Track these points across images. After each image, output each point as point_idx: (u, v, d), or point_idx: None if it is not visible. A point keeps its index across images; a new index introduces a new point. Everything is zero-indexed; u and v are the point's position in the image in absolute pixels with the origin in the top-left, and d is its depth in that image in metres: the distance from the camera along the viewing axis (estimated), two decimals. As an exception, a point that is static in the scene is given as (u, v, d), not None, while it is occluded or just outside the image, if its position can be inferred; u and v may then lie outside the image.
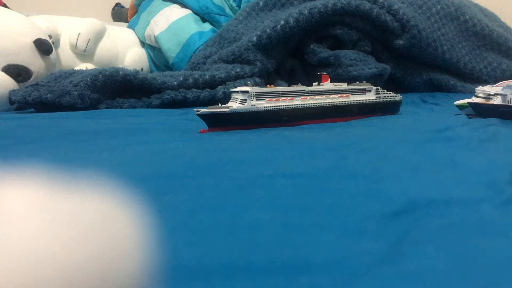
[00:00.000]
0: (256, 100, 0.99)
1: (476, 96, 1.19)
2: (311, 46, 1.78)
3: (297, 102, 1.05)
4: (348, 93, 1.17)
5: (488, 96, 1.15)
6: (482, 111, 1.16)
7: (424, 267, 0.31)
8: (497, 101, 1.13)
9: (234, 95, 1.03)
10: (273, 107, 1.01)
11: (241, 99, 0.99)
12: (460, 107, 1.25)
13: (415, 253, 0.33)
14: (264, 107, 0.99)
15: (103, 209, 0.19)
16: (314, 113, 1.08)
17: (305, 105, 1.07)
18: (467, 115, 1.20)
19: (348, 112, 1.13)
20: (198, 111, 0.95)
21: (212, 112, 0.95)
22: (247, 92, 0.99)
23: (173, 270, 0.31)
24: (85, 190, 0.19)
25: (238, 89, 1.03)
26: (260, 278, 0.29)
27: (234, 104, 0.99)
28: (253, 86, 1.05)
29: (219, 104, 1.00)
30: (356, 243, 0.35)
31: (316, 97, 1.09)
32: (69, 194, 0.18)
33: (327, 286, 0.28)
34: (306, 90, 1.08)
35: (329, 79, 1.17)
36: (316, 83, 1.17)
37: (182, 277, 0.29)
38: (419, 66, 1.93)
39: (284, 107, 1.03)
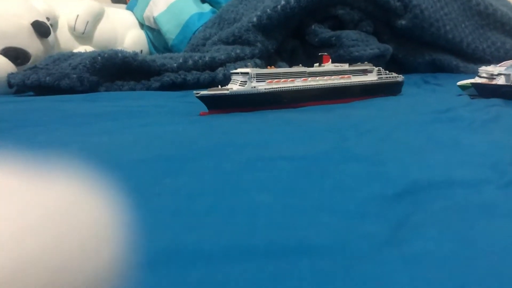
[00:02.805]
0: (257, 81, 0.98)
1: (479, 76, 1.17)
2: (312, 26, 1.76)
3: (298, 83, 1.05)
4: (349, 74, 1.15)
5: (491, 76, 1.13)
6: (485, 91, 1.14)
7: (427, 250, 0.30)
8: (501, 81, 1.12)
9: (234, 77, 1.02)
10: (274, 89, 1.00)
11: (241, 81, 0.98)
12: (463, 87, 1.24)
13: (418, 236, 0.32)
14: (265, 89, 0.99)
15: (83, 194, 0.19)
16: (315, 95, 1.07)
17: (306, 86, 1.06)
18: (470, 95, 1.19)
19: (350, 93, 1.12)
20: (198, 93, 0.94)
21: (212, 94, 0.95)
22: (247, 73, 0.98)
23: (173, 253, 0.31)
24: (74, 174, 0.18)
25: (238, 70, 1.01)
26: (260, 261, 0.29)
27: (234, 86, 0.98)
28: (253, 67, 1.05)
29: (219, 86, 0.99)
30: (358, 225, 0.34)
31: (317, 78, 1.08)
32: (56, 178, 0.18)
33: (328, 269, 0.28)
34: (307, 71, 1.07)
35: (330, 60, 1.16)
36: (318, 64, 1.16)
37: (182, 260, 0.29)
38: (422, 47, 1.91)
39: (285, 88, 1.03)
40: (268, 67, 1.05)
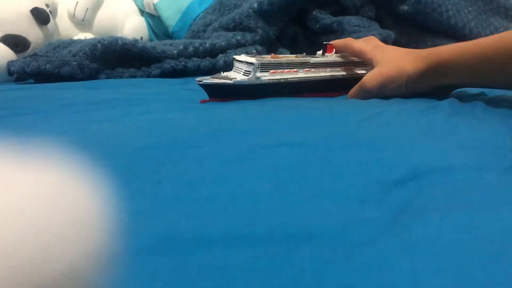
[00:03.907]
0: (261, 71, 0.94)
1: None
2: (314, 12, 1.74)
3: (301, 74, 0.99)
4: (353, 65, 1.11)
5: None
6: None
7: (428, 237, 0.30)
8: None
9: (237, 65, 0.97)
10: (277, 80, 0.96)
11: (245, 70, 0.94)
12: None
13: (419, 222, 0.32)
14: (269, 79, 0.94)
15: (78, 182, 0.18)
16: (318, 86, 1.03)
17: (310, 78, 1.01)
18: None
19: (353, 85, 1.05)
20: (200, 80, 0.90)
21: (215, 83, 0.91)
22: (252, 64, 0.93)
23: (173, 240, 0.31)
24: (69, 162, 0.18)
25: (243, 59, 0.96)
26: (260, 247, 0.29)
27: (237, 75, 0.94)
28: (257, 55, 0.97)
29: (222, 73, 0.95)
30: (358, 212, 0.34)
31: (320, 69, 1.03)
32: (49, 165, 0.17)
33: (329, 255, 0.28)
34: (311, 61, 1.02)
35: (334, 50, 1.10)
36: (321, 52, 1.10)
37: (181, 247, 0.29)
38: (424, 33, 1.90)
39: (289, 80, 0.98)
40: (272, 55, 0.99)
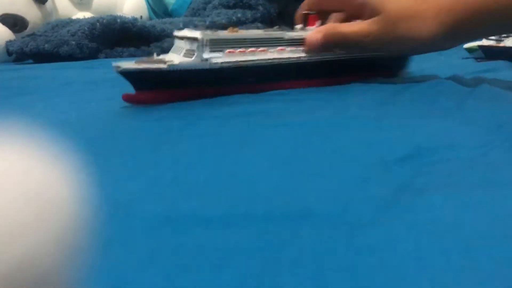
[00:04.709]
0: (211, 51, 0.65)
1: (487, 39, 1.15)
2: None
3: (272, 55, 0.70)
4: None
5: (500, 38, 1.11)
6: (492, 54, 1.12)
7: (431, 216, 0.30)
8: (509, 43, 1.09)
9: (177, 43, 0.69)
10: (236, 63, 0.67)
11: (187, 49, 0.65)
12: (470, 50, 1.21)
13: (422, 202, 0.31)
14: (222, 62, 0.65)
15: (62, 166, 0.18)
16: (298, 71, 0.72)
17: (284, 60, 0.71)
18: (476, 58, 1.17)
19: (343, 70, 0.77)
20: (118, 66, 0.62)
21: (141, 69, 0.62)
22: (196, 40, 0.64)
23: (171, 220, 0.31)
24: (63, 143, 0.17)
25: (182, 34, 0.68)
26: (260, 228, 0.28)
27: (176, 57, 0.65)
28: (207, 30, 0.68)
29: (155, 55, 0.65)
30: (359, 190, 0.34)
31: (300, 48, 0.72)
32: (41, 145, 0.17)
33: (330, 236, 0.27)
34: (285, 37, 0.72)
35: (319, 22, 0.76)
36: (301, 25, 0.77)
37: (180, 227, 0.28)
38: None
39: (254, 63, 0.68)
40: (230, 29, 0.71)
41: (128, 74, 0.64)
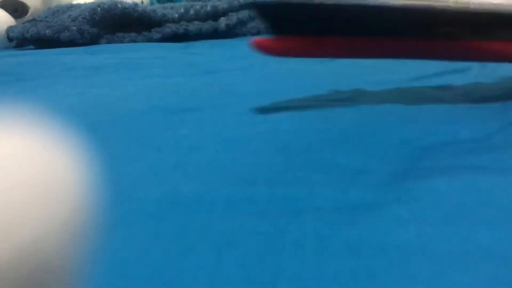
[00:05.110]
0: None
1: None
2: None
3: None
4: None
5: None
6: None
7: (435, 203, 0.29)
8: None
9: None
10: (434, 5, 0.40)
11: None
12: None
13: (425, 186, 0.31)
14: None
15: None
16: None
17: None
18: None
19: None
20: None
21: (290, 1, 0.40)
22: None
23: (173, 204, 0.31)
24: (70, 128, 0.17)
25: None
26: (262, 207, 0.28)
27: None
28: None
29: None
30: (362, 173, 0.33)
31: None
32: (43, 130, 0.17)
33: (332, 219, 0.27)
34: None
35: None
36: None
37: (182, 211, 0.28)
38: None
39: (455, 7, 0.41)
40: None
41: (267, 8, 0.41)
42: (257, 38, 0.45)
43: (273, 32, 0.44)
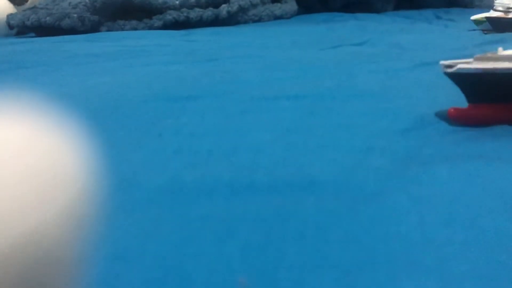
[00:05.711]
0: None
1: (495, 10, 1.13)
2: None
3: None
4: None
5: (508, 10, 1.08)
6: (500, 25, 1.10)
7: (437, 189, 0.29)
8: None
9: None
10: None
11: None
12: (477, 22, 1.19)
13: (427, 173, 0.31)
14: None
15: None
16: None
17: None
18: (483, 30, 1.15)
19: None
20: (451, 66, 0.38)
21: (492, 70, 0.36)
22: None
23: (176, 190, 0.31)
24: (70, 116, 0.17)
25: None
26: (263, 198, 0.28)
27: None
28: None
29: (500, 50, 0.41)
30: (363, 161, 0.33)
31: None
32: (44, 119, 0.16)
33: (333, 207, 0.27)
34: None
35: None
36: None
37: (185, 196, 0.28)
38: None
39: None
40: None
41: (465, 77, 0.36)
42: (453, 109, 0.42)
43: (469, 99, 0.42)
